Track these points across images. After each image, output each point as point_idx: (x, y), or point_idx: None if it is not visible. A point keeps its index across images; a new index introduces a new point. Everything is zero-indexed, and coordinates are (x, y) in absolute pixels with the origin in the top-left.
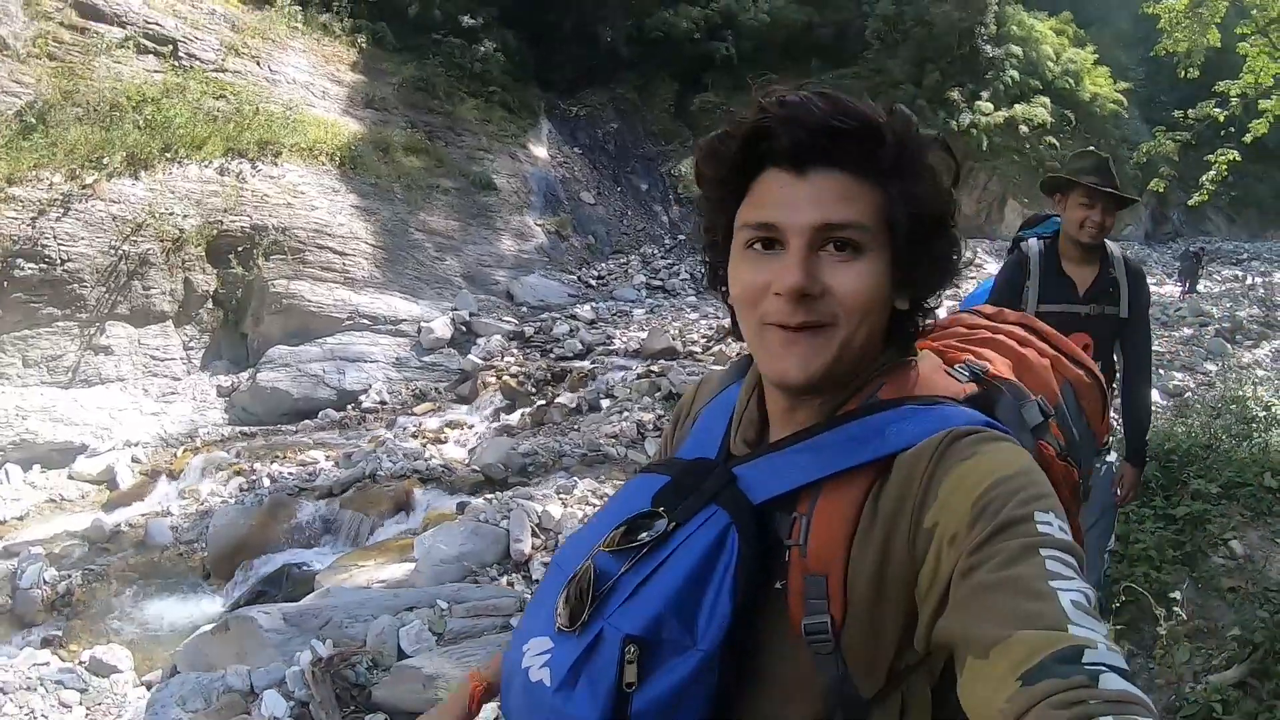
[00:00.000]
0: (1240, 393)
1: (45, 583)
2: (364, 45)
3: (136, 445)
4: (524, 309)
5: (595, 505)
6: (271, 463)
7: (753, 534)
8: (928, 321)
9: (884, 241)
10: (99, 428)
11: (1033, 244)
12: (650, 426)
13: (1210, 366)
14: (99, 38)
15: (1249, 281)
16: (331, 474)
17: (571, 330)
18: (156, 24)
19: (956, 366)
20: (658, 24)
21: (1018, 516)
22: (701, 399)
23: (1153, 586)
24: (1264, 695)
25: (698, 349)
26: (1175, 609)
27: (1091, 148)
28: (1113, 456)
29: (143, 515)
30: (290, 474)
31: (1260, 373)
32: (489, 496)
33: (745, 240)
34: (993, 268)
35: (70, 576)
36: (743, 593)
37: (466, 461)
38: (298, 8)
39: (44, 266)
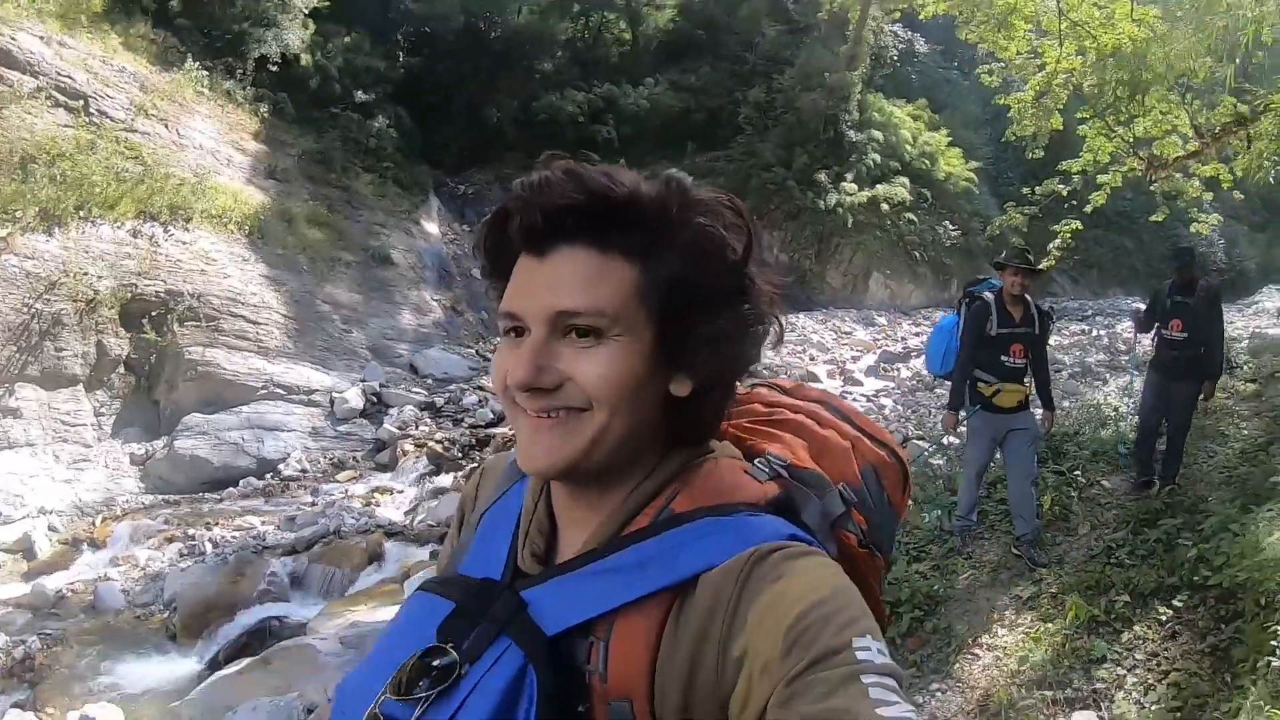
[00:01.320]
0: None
1: None
2: (265, 115)
3: (51, 513)
4: (429, 380)
5: None
6: (209, 528)
7: (549, 670)
8: (722, 410)
9: (639, 322)
10: (10, 494)
11: (987, 295)
12: None
13: (1067, 404)
14: (10, 87)
15: (1094, 334)
16: (286, 534)
17: (480, 400)
18: (69, 77)
19: (756, 461)
20: (545, 107)
21: (835, 645)
22: (484, 495)
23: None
24: (1138, 545)
25: None
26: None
27: (1016, 240)
28: (1038, 412)
29: (83, 581)
30: (233, 538)
31: (1112, 401)
32: None
33: (503, 328)
34: (861, 334)
35: (26, 641)
36: None
37: (408, 522)
38: (204, 72)
39: None
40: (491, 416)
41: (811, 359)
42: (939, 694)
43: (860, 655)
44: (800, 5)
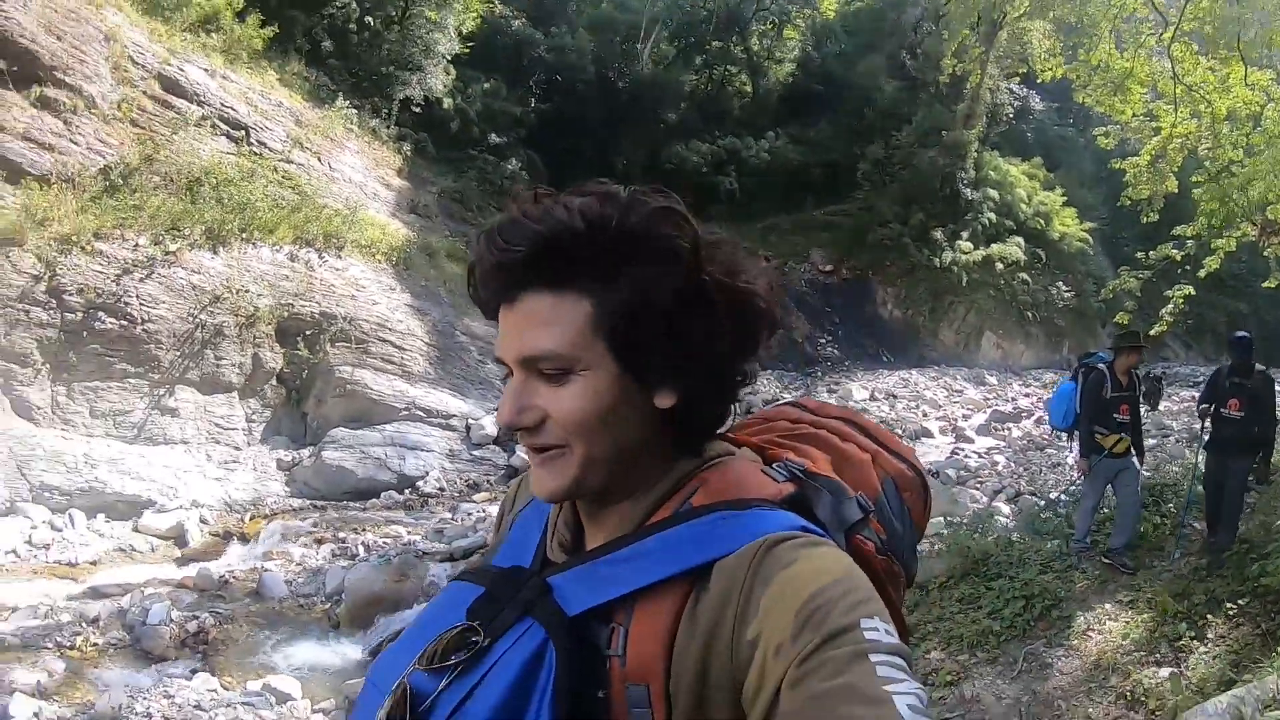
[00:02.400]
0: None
1: (171, 621)
2: (408, 153)
3: (202, 507)
4: None
5: None
6: (358, 533)
7: (570, 648)
8: (720, 410)
9: (598, 353)
10: (165, 485)
11: (1102, 366)
12: None
13: (1173, 467)
14: (179, 113)
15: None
16: (437, 544)
17: None
18: (231, 108)
19: (775, 465)
20: (671, 156)
21: (844, 625)
22: (521, 500)
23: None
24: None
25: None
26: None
27: (1129, 326)
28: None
29: (243, 570)
30: (383, 543)
31: None
32: None
33: (501, 373)
34: (972, 393)
35: (199, 617)
36: (563, 707)
37: None
38: (353, 110)
39: (124, 323)
40: None
41: (924, 414)
42: (1063, 659)
43: (868, 635)
44: (918, 63)
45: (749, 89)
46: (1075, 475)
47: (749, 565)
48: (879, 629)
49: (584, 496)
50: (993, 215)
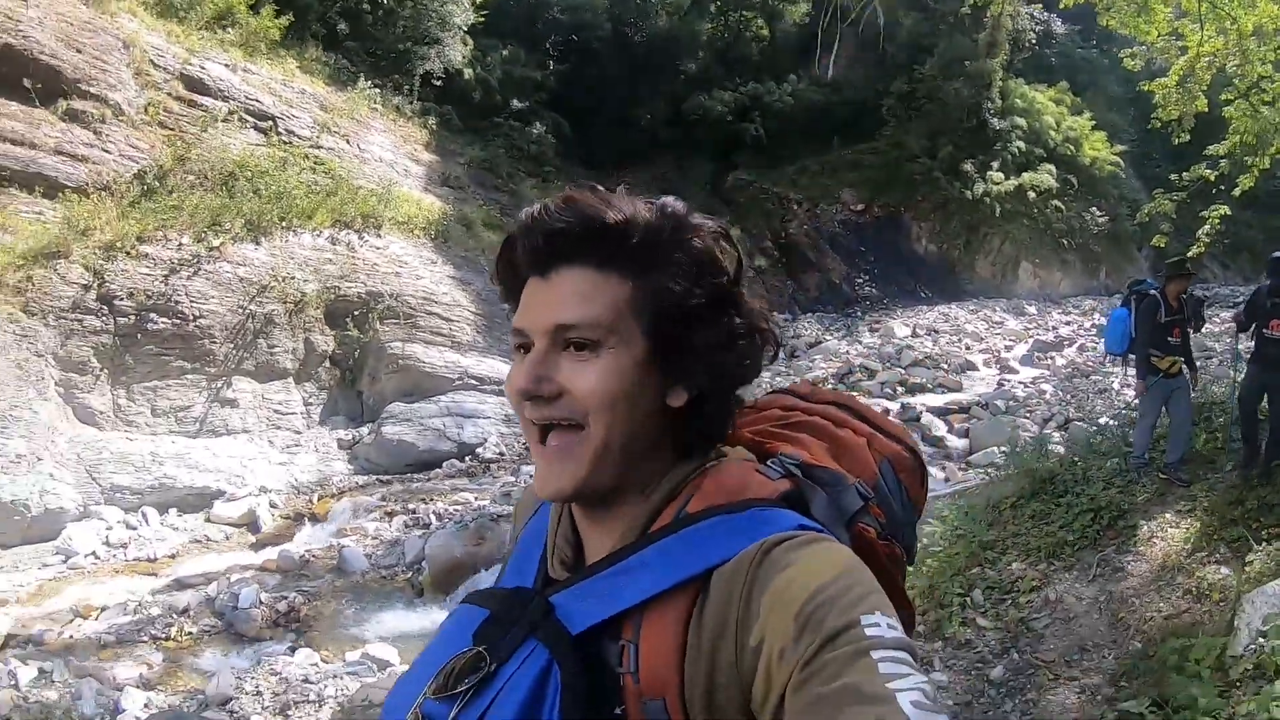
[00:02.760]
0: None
1: (261, 603)
2: (434, 127)
3: (270, 492)
4: None
5: None
6: (427, 502)
7: (575, 667)
8: (723, 419)
9: (632, 333)
10: (232, 475)
11: (1154, 292)
12: None
13: (1216, 388)
14: (205, 110)
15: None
16: (506, 506)
17: None
18: (256, 100)
19: (770, 462)
20: (694, 107)
21: (844, 624)
22: (520, 520)
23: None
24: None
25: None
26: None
27: (1175, 254)
28: (1185, 373)
29: (320, 548)
30: (454, 510)
31: None
32: None
33: (513, 345)
34: (1013, 324)
35: (287, 596)
36: None
37: None
38: (375, 90)
39: (177, 321)
40: None
41: (967, 348)
42: (1132, 562)
43: (869, 631)
44: None
45: (766, 32)
46: (1132, 396)
47: (747, 570)
48: (880, 624)
49: (590, 495)
50: (1022, 144)
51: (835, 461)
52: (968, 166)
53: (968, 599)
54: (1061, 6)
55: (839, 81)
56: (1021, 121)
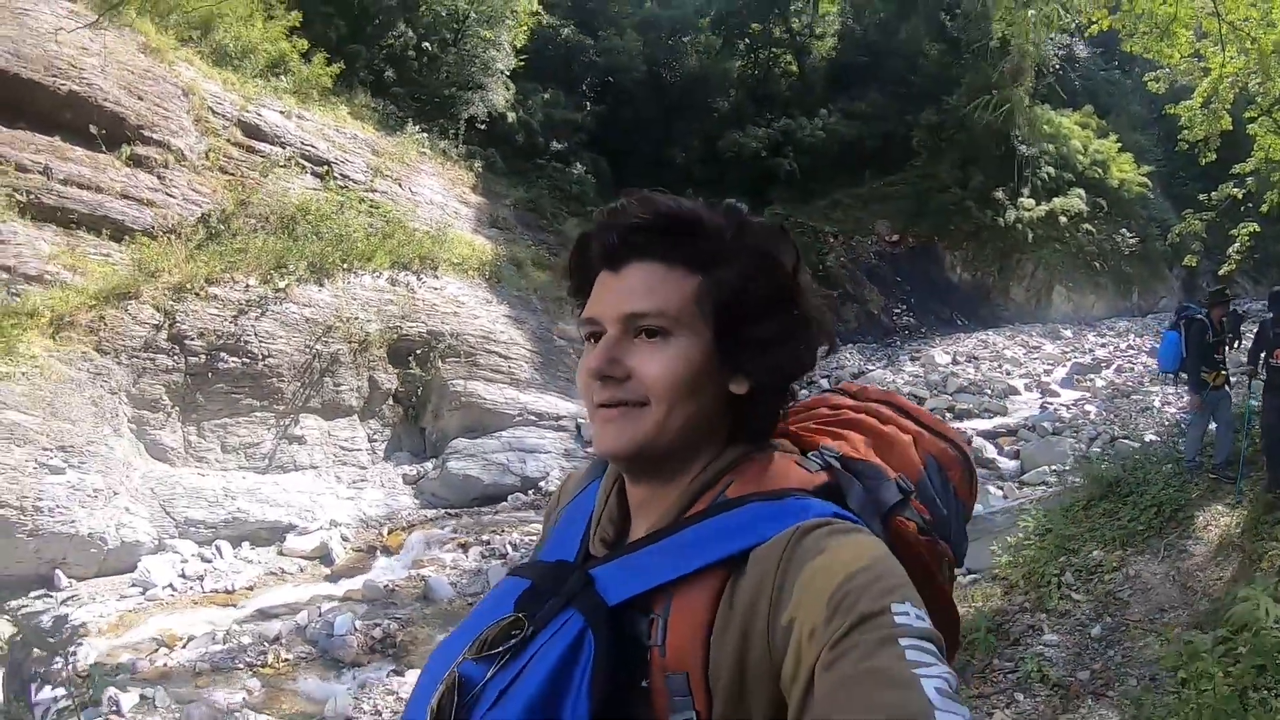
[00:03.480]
0: None
1: (356, 629)
2: (479, 170)
3: (341, 525)
4: None
5: None
6: (501, 534)
7: (609, 636)
8: (777, 410)
9: (698, 323)
10: (302, 509)
11: (1201, 316)
12: None
13: (1254, 401)
14: (264, 156)
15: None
16: None
17: None
18: (311, 145)
19: (810, 454)
20: (729, 145)
21: (874, 609)
22: (565, 497)
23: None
24: None
25: None
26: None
27: (1216, 286)
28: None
29: (400, 579)
30: (527, 541)
31: None
32: None
33: (584, 335)
34: (1050, 348)
35: (381, 624)
36: (600, 695)
37: None
38: (424, 134)
39: (246, 360)
40: None
41: (1007, 373)
42: (1193, 545)
43: (899, 619)
44: (958, 23)
45: (795, 68)
46: (1173, 413)
47: (782, 552)
48: (909, 613)
49: (648, 460)
50: (1051, 169)
51: (878, 456)
52: (999, 194)
53: (1061, 579)
54: (1087, 36)
55: (868, 114)
56: (1050, 147)
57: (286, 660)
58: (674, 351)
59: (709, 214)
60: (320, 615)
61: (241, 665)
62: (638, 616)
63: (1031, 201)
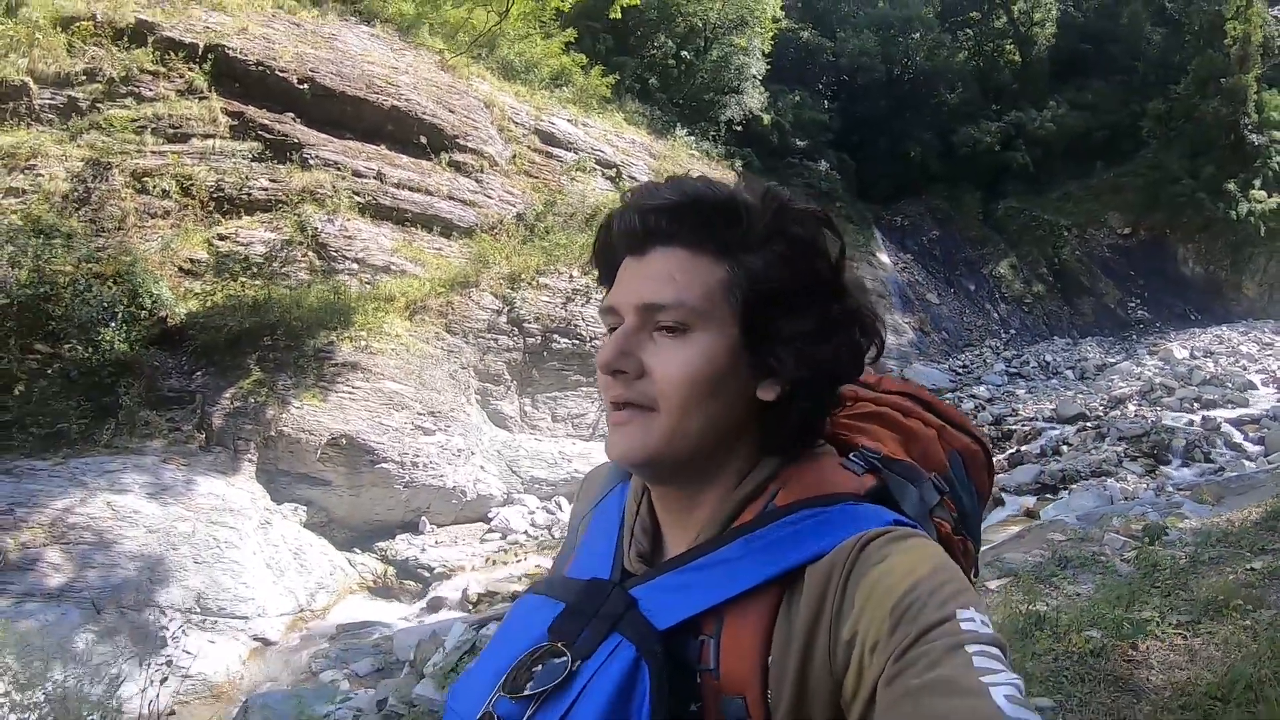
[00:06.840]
0: None
1: None
2: (738, 169)
3: None
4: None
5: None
6: None
7: (663, 664)
8: (814, 418)
9: (724, 317)
10: None
11: None
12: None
13: None
14: (559, 160)
15: None
16: None
17: (977, 406)
18: (600, 150)
19: (851, 455)
20: (965, 139)
21: (939, 618)
22: (586, 501)
23: None
24: None
25: (1100, 412)
26: None
27: None
28: None
29: None
30: None
31: None
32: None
33: (605, 324)
34: None
35: None
36: None
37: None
38: (690, 137)
39: (575, 342)
40: (991, 419)
41: (1244, 368)
42: None
43: (965, 626)
44: (1179, 4)
45: (1017, 58)
46: None
47: (843, 565)
48: (975, 619)
49: (664, 469)
50: None
51: (907, 453)
52: (1230, 186)
53: None
54: None
55: (1094, 104)
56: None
57: None
58: (695, 350)
59: (743, 196)
60: None
61: None
62: (687, 639)
63: (1263, 194)
